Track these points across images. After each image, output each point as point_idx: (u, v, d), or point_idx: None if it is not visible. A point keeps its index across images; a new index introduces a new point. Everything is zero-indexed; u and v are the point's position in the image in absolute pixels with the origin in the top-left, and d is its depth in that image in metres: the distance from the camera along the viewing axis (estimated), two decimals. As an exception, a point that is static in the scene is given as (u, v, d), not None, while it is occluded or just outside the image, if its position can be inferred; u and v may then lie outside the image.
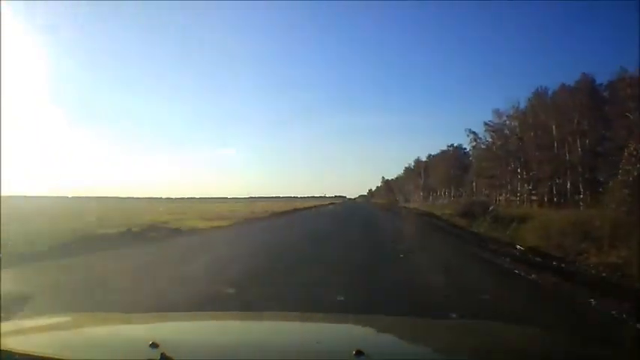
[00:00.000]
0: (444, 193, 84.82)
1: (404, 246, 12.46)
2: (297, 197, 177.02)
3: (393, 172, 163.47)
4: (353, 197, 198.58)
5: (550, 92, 45.45)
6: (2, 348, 1.50)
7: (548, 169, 40.44)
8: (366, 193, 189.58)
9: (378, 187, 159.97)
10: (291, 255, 10.54)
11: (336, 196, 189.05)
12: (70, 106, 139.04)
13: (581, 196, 36.80)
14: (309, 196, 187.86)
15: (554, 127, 39.75)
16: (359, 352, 1.46)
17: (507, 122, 51.12)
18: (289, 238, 15.54)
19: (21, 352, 1.52)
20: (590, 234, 13.16)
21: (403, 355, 1.84)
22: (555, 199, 40.53)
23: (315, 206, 69.21)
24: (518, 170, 46.72)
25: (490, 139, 54.86)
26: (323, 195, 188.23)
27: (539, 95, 46.25)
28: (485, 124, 54.64)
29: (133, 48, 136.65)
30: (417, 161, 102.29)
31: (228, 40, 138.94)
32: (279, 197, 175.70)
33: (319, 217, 33.87)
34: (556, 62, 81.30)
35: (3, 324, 2.04)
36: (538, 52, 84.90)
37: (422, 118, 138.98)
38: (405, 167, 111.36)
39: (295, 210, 51.06)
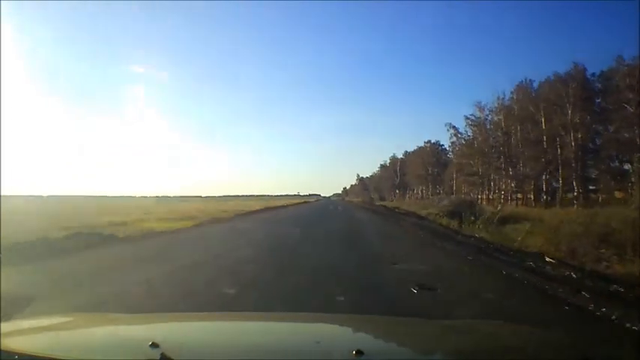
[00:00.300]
0: (421, 191, 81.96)
1: (409, 267, 8.40)
2: (271, 196, 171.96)
3: (369, 169, 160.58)
4: (328, 195, 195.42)
5: (536, 84, 42.60)
6: (2, 348, 1.48)
7: (537, 165, 37.31)
8: (340, 192, 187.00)
9: (352, 185, 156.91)
10: (240, 294, 6.11)
11: (310, 195, 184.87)
12: (54, 97, 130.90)
13: (575, 193, 33.73)
14: (284, 194, 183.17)
15: (543, 120, 36.60)
16: (359, 352, 1.44)
17: (490, 117, 48.07)
18: (252, 253, 11.16)
19: (21, 352, 1.50)
20: (608, 238, 11.20)
21: (403, 355, 1.83)
22: (544, 198, 37.47)
23: (287, 205, 64.67)
24: (502, 166, 43.56)
25: (471, 134, 51.80)
26: (297, 193, 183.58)
27: (523, 87, 43.23)
28: (467, 118, 51.49)
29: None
30: (393, 158, 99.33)
31: (199, 38, 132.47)
32: (253, 195, 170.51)
33: (292, 219, 29.55)
34: (541, 54, 78.37)
35: (3, 324, 2.01)
36: (521, 44, 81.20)
37: (398, 115, 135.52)
38: (381, 164, 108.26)
39: (267, 209, 46.84)
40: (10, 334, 1.74)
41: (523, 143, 39.89)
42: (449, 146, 64.48)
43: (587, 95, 35.30)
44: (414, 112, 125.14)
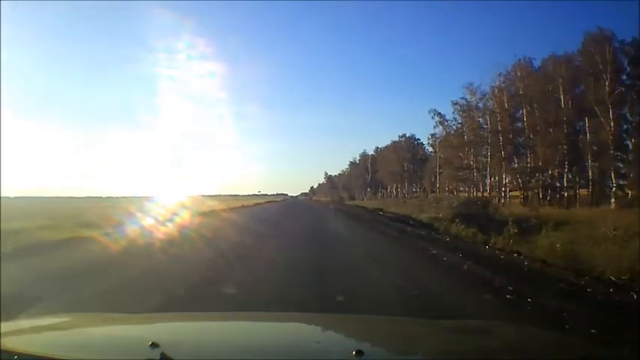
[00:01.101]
0: (395, 189, 73.72)
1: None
2: (237, 195, 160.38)
3: (337, 168, 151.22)
4: (295, 195, 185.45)
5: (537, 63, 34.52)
6: (2, 348, 1.43)
7: (555, 153, 29.04)
8: (307, 191, 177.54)
9: (320, 184, 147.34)
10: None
11: (277, 194, 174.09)
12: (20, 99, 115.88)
13: (613, 189, 25.42)
14: (251, 194, 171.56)
15: (562, 98, 28.38)
16: (359, 352, 1.40)
17: (482, 101, 39.73)
18: None
19: (21, 352, 1.45)
20: None
21: (403, 355, 1.80)
22: (565, 195, 29.34)
23: (248, 205, 54.61)
24: (504, 157, 35.20)
25: (461, 122, 43.39)
26: (262, 192, 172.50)
27: (523, 66, 35.09)
28: (455, 103, 42.97)
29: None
30: (364, 155, 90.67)
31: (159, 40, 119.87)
32: (220, 195, 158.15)
33: (254, 225, 20.08)
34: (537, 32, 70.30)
35: (3, 324, 1.97)
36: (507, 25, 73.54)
37: (368, 114, 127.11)
38: (350, 162, 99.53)
39: (230, 209, 36.93)
40: (10, 334, 1.71)
41: (532, 128, 31.56)
42: (428, 139, 56.24)
43: (617, 67, 27.35)
44: (385, 110, 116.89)
